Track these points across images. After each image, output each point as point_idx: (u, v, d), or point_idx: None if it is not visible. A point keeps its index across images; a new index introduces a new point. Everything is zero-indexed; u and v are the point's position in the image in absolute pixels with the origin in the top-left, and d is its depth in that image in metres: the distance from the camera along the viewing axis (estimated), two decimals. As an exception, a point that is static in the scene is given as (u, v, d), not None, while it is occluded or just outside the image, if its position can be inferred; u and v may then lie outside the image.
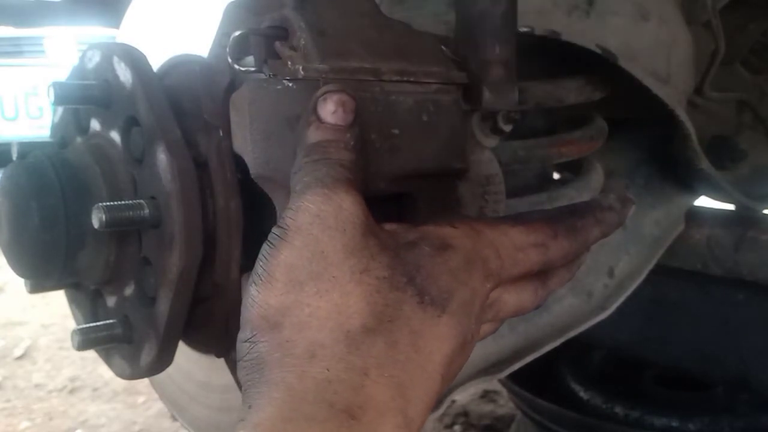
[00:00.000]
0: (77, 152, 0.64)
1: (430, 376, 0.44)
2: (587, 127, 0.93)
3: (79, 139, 0.67)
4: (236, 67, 0.56)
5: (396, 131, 0.58)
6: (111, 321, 0.63)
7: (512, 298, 0.54)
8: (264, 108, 0.53)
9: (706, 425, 1.29)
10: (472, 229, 0.51)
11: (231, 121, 0.56)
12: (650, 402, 1.35)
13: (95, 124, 0.65)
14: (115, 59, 0.61)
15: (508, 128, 0.69)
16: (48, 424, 2.27)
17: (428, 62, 0.62)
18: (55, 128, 0.71)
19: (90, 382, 2.52)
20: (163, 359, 0.61)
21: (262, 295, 0.44)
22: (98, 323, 0.63)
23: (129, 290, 0.63)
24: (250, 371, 0.43)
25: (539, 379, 1.41)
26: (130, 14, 1.04)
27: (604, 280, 0.98)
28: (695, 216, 1.14)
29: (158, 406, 2.27)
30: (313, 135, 0.49)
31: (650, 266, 1.03)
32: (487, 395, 2.27)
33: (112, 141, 0.62)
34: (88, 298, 0.68)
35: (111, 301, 0.65)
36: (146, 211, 0.56)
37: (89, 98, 0.62)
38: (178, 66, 0.65)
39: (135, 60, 0.60)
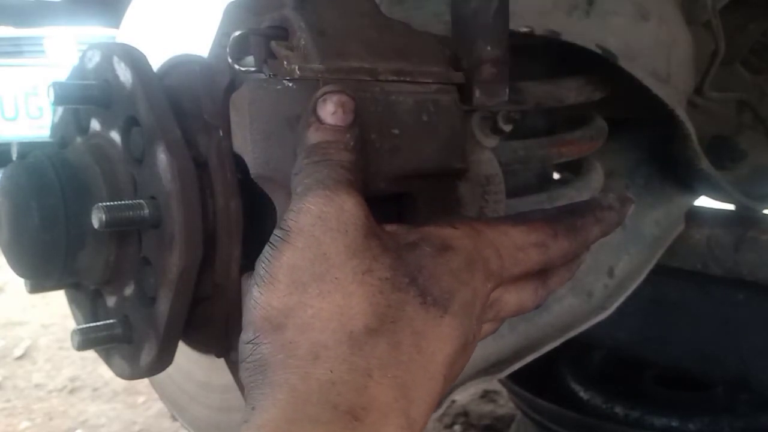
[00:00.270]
0: (77, 152, 0.64)
1: (432, 377, 0.44)
2: (587, 127, 0.93)
3: (79, 139, 0.67)
4: (236, 67, 0.56)
5: (396, 131, 0.58)
6: (111, 321, 0.63)
7: (513, 297, 0.54)
8: (264, 108, 0.53)
9: (706, 425, 1.29)
10: (472, 230, 0.51)
11: (231, 121, 0.56)
12: (650, 402, 1.35)
13: (95, 124, 0.65)
14: (115, 59, 0.61)
15: (508, 128, 0.69)
16: (48, 424, 2.27)
17: (428, 62, 0.62)
18: (55, 128, 0.71)
19: (90, 382, 2.52)
20: (163, 359, 0.61)
21: (265, 296, 0.44)
22: (98, 323, 0.63)
23: (129, 290, 0.63)
24: (252, 373, 0.43)
25: (539, 379, 1.41)
26: (130, 14, 1.04)
27: (604, 280, 0.98)
28: (695, 216, 1.14)
29: (158, 406, 2.27)
30: (313, 136, 0.49)
31: (650, 266, 1.03)
32: (487, 395, 2.27)
33: (112, 141, 0.62)
34: (88, 298, 0.68)
35: (111, 301, 0.65)
36: (146, 211, 0.56)
37: (89, 98, 0.62)
38: (178, 66, 0.65)
39: (135, 60, 0.60)
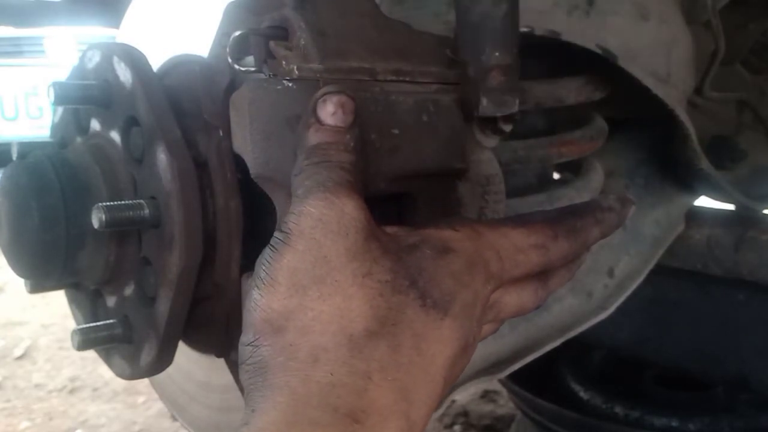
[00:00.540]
0: (77, 152, 0.64)
1: (432, 379, 0.45)
2: (587, 127, 0.93)
3: (79, 139, 0.67)
4: (236, 67, 0.56)
5: (396, 131, 0.58)
6: (111, 321, 0.63)
7: (513, 299, 0.54)
8: (264, 108, 0.53)
9: (706, 425, 1.29)
10: (473, 232, 0.51)
11: (231, 121, 0.56)
12: (650, 402, 1.35)
13: (95, 124, 0.65)
14: (115, 59, 0.61)
15: (508, 128, 0.69)
16: (48, 424, 2.27)
17: (428, 62, 0.62)
18: (55, 128, 0.71)
19: (90, 382, 2.52)
20: (163, 359, 0.61)
21: (265, 299, 0.44)
22: (98, 323, 0.63)
23: (129, 290, 0.63)
24: (253, 375, 0.43)
25: (539, 379, 1.41)
26: (130, 14, 1.04)
27: (604, 280, 0.98)
28: (695, 216, 1.14)
29: (158, 406, 2.27)
30: (313, 137, 0.49)
31: (650, 266, 1.03)
32: (487, 395, 2.27)
33: (112, 141, 0.62)
34: (88, 298, 0.68)
35: (111, 301, 0.65)
36: (146, 211, 0.56)
37: (89, 98, 0.62)
38: (178, 66, 0.65)
39: (135, 60, 0.60)
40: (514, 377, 1.39)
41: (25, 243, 0.60)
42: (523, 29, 0.79)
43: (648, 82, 0.86)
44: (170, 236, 0.56)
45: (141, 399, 2.37)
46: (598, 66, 0.88)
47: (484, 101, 0.63)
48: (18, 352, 2.78)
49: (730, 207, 1.18)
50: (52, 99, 0.60)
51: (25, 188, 0.59)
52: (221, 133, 0.59)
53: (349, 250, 0.44)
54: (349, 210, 0.45)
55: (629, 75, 0.86)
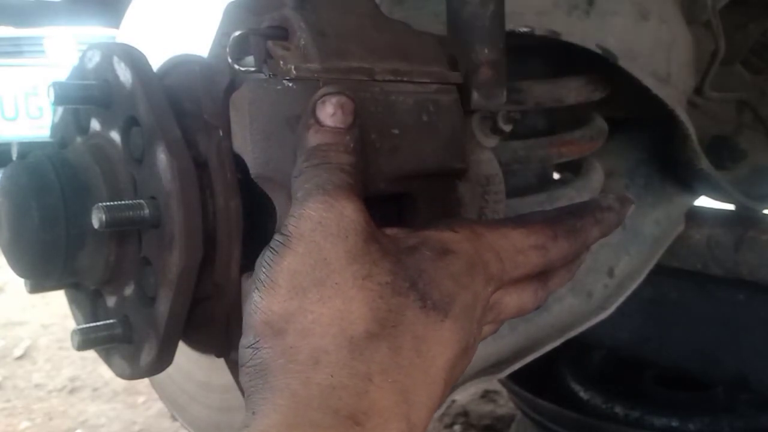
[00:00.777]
0: (77, 152, 0.64)
1: (433, 381, 0.45)
2: (587, 127, 0.93)
3: (79, 139, 0.67)
4: (236, 67, 0.56)
5: (396, 131, 0.58)
6: (111, 321, 0.63)
7: (513, 299, 0.54)
8: (264, 108, 0.53)
9: (706, 425, 1.29)
10: (473, 233, 0.51)
11: (231, 121, 0.56)
12: (650, 402, 1.35)
13: (95, 124, 0.65)
14: (115, 59, 0.61)
15: (508, 128, 0.69)
16: (48, 424, 2.27)
17: (428, 62, 0.62)
18: (55, 128, 0.71)
19: (90, 382, 2.52)
20: (163, 359, 0.61)
21: (266, 301, 0.44)
22: (98, 323, 0.63)
23: (129, 290, 0.63)
24: (253, 377, 0.43)
25: (539, 379, 1.41)
26: (130, 14, 1.04)
27: (604, 280, 0.98)
28: (695, 216, 1.14)
29: (158, 406, 2.27)
30: (313, 138, 0.49)
31: (650, 266, 1.03)
32: (487, 395, 2.27)
33: (112, 141, 0.62)
34: (88, 298, 0.68)
35: (111, 301, 0.65)
36: (146, 211, 0.56)
37: (89, 98, 0.62)
38: (178, 66, 0.65)
39: (135, 60, 0.60)
40: (514, 377, 1.39)
41: (25, 243, 0.60)
42: (523, 29, 0.79)
43: (648, 82, 0.86)
44: (170, 236, 0.56)
45: (141, 399, 2.37)
46: (598, 66, 0.88)
47: (475, 95, 0.65)
48: (18, 352, 2.78)
49: (730, 207, 1.19)
50: (52, 99, 0.60)
51: (25, 188, 0.59)
52: (221, 133, 0.59)
53: (349, 253, 0.44)
54: (348, 213, 0.45)
55: (629, 75, 0.86)
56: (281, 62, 0.54)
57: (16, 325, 3.04)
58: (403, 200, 0.62)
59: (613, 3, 0.86)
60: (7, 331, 3.00)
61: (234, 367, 0.64)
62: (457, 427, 2.12)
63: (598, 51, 0.83)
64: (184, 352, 0.66)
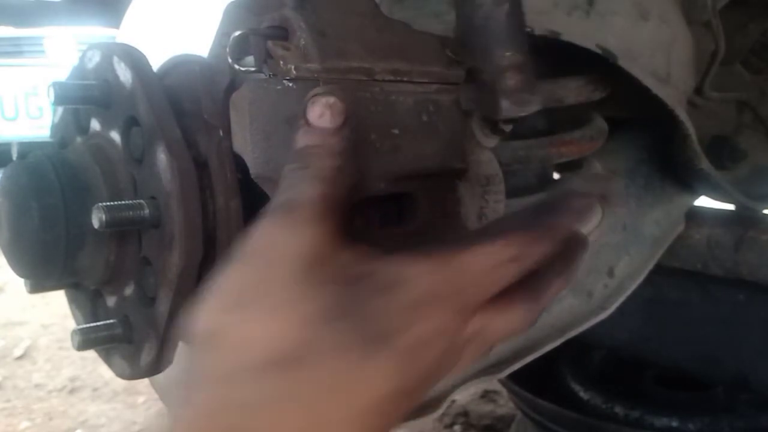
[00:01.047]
0: (77, 152, 0.64)
1: (353, 420, 0.42)
2: (587, 127, 0.93)
3: (79, 139, 0.67)
4: (236, 67, 0.56)
5: (396, 131, 0.58)
6: (111, 321, 0.63)
7: (499, 323, 0.51)
8: (264, 108, 0.53)
9: (706, 425, 1.29)
10: (436, 261, 0.47)
11: (231, 121, 0.56)
12: (650, 402, 1.35)
13: (95, 124, 0.65)
14: (115, 59, 0.61)
15: (507, 128, 0.69)
16: (48, 424, 2.27)
17: (428, 62, 0.62)
18: (55, 128, 0.71)
19: (90, 382, 2.52)
20: (163, 359, 0.61)
21: (203, 311, 0.44)
22: (98, 323, 0.64)
23: (129, 290, 0.63)
24: (177, 387, 0.44)
25: (539, 379, 1.41)
26: (131, 14, 1.04)
27: (604, 280, 0.98)
28: (695, 216, 1.14)
29: (158, 406, 2.27)
30: (301, 139, 0.49)
31: (650, 266, 1.03)
32: (487, 395, 2.27)
33: (112, 141, 0.62)
34: (88, 298, 0.68)
35: (111, 301, 0.65)
36: (146, 211, 0.56)
37: (89, 98, 0.62)
38: (178, 66, 0.65)
39: (135, 60, 0.60)
40: (514, 377, 1.39)
41: (25, 243, 0.60)
42: (523, 29, 0.79)
43: (648, 82, 0.86)
44: (170, 236, 0.56)
45: (141, 399, 2.37)
46: (598, 66, 0.88)
47: (505, 104, 0.61)
48: (18, 352, 2.78)
49: (730, 207, 1.18)
50: (52, 99, 0.60)
51: (25, 188, 0.59)
52: (221, 133, 0.59)
53: (291, 276, 0.43)
54: (300, 236, 0.45)
55: (629, 75, 0.86)
56: (281, 62, 0.54)
57: (16, 325, 3.04)
58: (403, 200, 0.62)
59: (613, 3, 0.86)
60: (7, 331, 3.00)
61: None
62: (457, 427, 2.12)
63: (598, 51, 0.83)
64: (184, 352, 0.66)
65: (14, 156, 0.65)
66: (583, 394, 1.42)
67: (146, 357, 0.61)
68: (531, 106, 0.62)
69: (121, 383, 2.40)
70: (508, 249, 0.49)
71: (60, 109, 0.69)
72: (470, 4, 0.64)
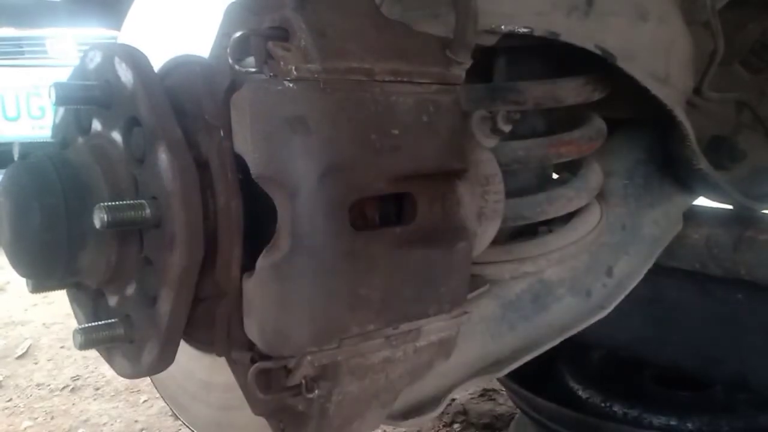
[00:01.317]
0: (78, 152, 0.64)
1: None
2: (586, 128, 0.94)
3: (80, 140, 0.67)
4: (237, 67, 0.57)
5: (396, 131, 0.58)
6: (112, 320, 0.64)
7: None
8: (265, 108, 0.54)
9: (705, 424, 1.29)
10: None
11: (232, 121, 0.57)
12: (649, 401, 1.35)
13: (96, 125, 0.65)
14: (117, 60, 0.61)
15: (507, 128, 0.69)
16: (50, 423, 2.27)
17: (428, 63, 0.62)
18: (56, 128, 0.71)
19: (92, 381, 2.52)
20: (164, 358, 0.61)
21: None
22: (100, 323, 0.64)
23: (130, 290, 0.63)
24: None
25: (538, 377, 1.41)
26: (131, 15, 1.05)
27: (602, 279, 0.98)
28: (694, 216, 1.14)
29: (160, 404, 2.27)
30: None
31: (649, 266, 1.03)
32: (486, 394, 2.27)
33: (113, 141, 0.63)
34: (89, 298, 0.69)
35: (113, 300, 0.66)
36: (147, 211, 0.57)
37: (90, 99, 0.62)
38: (179, 67, 0.65)
39: (136, 61, 0.60)
40: (513, 376, 1.39)
41: (27, 243, 0.60)
42: (523, 30, 0.79)
43: (647, 82, 0.86)
44: (171, 236, 0.57)
45: (143, 398, 2.37)
46: (597, 66, 0.88)
47: None
48: (20, 352, 2.78)
49: (729, 207, 1.19)
50: (53, 99, 0.61)
51: (26, 188, 0.60)
52: (222, 134, 0.59)
53: None
54: None
55: (628, 75, 0.86)
56: (282, 63, 0.55)
57: (18, 325, 3.05)
58: (403, 200, 0.62)
59: (612, 4, 0.86)
60: (9, 330, 3.00)
61: (235, 366, 0.65)
62: (456, 426, 2.12)
63: (597, 51, 0.83)
64: (185, 351, 0.66)
65: (16, 156, 0.65)
66: (582, 393, 1.42)
67: (148, 356, 0.61)
68: None
69: (122, 382, 2.40)
70: None
71: (61, 110, 0.70)
72: None
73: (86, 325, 0.64)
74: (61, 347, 2.81)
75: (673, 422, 1.30)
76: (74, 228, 0.60)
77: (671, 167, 1.07)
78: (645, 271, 1.02)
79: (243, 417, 0.72)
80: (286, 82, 0.54)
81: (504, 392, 2.13)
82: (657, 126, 1.05)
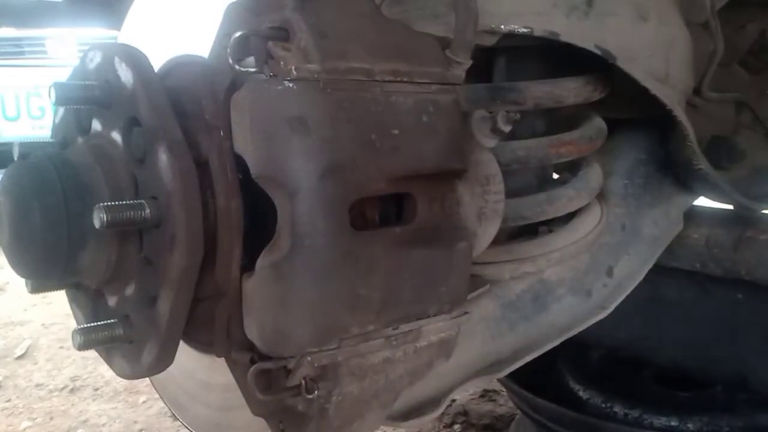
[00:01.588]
0: (78, 152, 0.64)
1: None
2: (586, 128, 0.94)
3: (80, 140, 0.67)
4: (237, 67, 0.57)
5: (396, 131, 0.58)
6: (112, 321, 0.63)
7: None
8: (265, 108, 0.54)
9: (705, 424, 1.29)
10: None
11: (232, 121, 0.57)
12: (649, 401, 1.35)
13: (96, 125, 0.65)
14: (117, 60, 0.61)
15: (507, 128, 0.69)
16: (49, 423, 2.27)
17: (428, 63, 0.63)
18: (56, 128, 0.71)
19: (91, 381, 2.52)
20: (163, 359, 0.61)
21: None
22: (99, 323, 0.64)
23: (130, 290, 0.63)
24: None
25: (539, 378, 1.41)
26: (131, 15, 1.05)
27: (603, 279, 0.98)
28: (694, 216, 1.14)
29: (159, 405, 2.27)
30: None
31: (649, 266, 1.03)
32: (486, 394, 2.27)
33: (113, 141, 0.63)
34: (89, 298, 0.69)
35: (112, 300, 0.66)
36: (147, 211, 0.57)
37: (90, 99, 0.62)
38: (179, 67, 0.65)
39: (136, 61, 0.60)
40: (514, 376, 1.39)
41: (27, 243, 0.60)
42: (523, 30, 0.79)
43: (647, 82, 0.86)
44: (171, 236, 0.57)
45: (142, 398, 2.37)
46: (597, 67, 0.88)
47: None
48: (19, 352, 2.78)
49: (729, 207, 1.19)
50: (53, 99, 0.61)
51: (26, 188, 0.60)
52: (222, 134, 0.59)
53: None
54: None
55: (628, 75, 0.86)
56: (282, 63, 0.55)
57: (17, 325, 3.04)
58: (403, 200, 0.62)
59: (611, 4, 0.86)
60: (8, 330, 3.00)
61: (235, 366, 0.65)
62: (456, 427, 2.12)
63: (597, 51, 0.83)
64: (184, 351, 0.66)
65: (16, 156, 0.65)
66: (583, 394, 1.42)
67: (147, 356, 0.61)
68: None
69: (122, 383, 2.40)
70: None
71: (61, 110, 0.70)
72: None
73: (85, 325, 0.64)
74: (61, 347, 2.81)
75: (673, 422, 1.30)
76: (74, 228, 0.60)
77: (671, 167, 1.07)
78: (646, 271, 1.02)
79: (243, 417, 0.72)
80: (286, 83, 0.54)
81: (504, 393, 2.13)
82: (657, 126, 1.05)
